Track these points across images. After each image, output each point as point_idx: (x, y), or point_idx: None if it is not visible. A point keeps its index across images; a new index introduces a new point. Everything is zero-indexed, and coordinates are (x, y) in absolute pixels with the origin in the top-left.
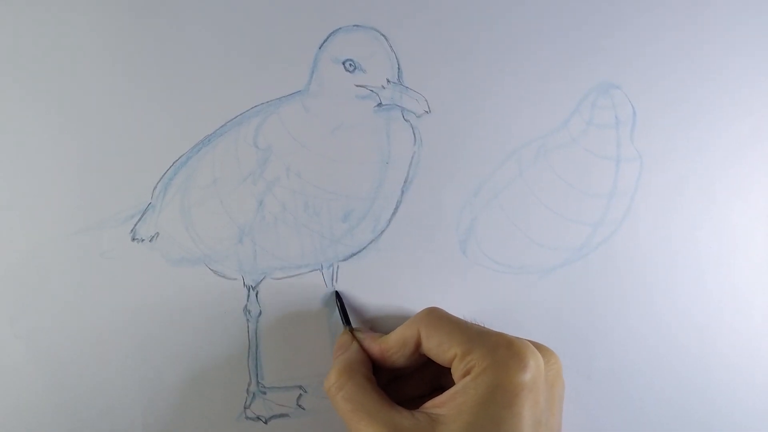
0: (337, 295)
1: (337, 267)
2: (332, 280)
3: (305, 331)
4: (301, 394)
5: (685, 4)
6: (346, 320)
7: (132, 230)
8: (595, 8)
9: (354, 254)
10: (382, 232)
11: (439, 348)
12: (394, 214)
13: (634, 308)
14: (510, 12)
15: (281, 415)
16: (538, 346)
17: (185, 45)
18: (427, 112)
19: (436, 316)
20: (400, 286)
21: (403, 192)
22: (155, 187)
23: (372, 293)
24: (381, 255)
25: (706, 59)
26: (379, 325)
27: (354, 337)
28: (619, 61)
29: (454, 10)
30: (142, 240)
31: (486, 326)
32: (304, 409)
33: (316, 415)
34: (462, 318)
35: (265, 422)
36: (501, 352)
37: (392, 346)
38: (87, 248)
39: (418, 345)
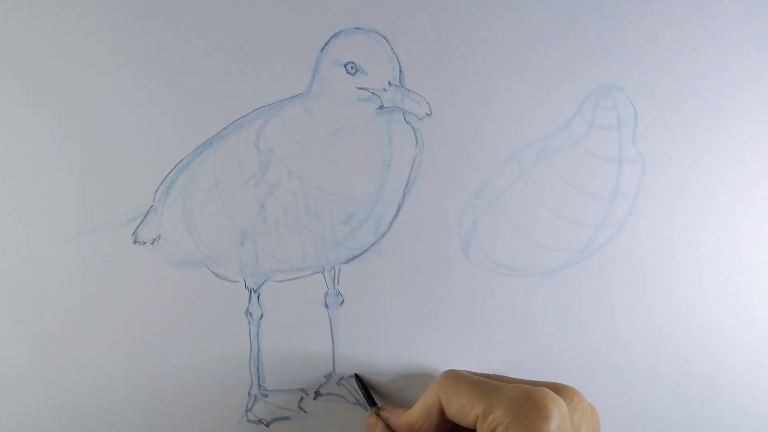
0: (358, 378)
1: (339, 269)
2: (334, 282)
3: (307, 334)
4: (302, 397)
5: (686, 5)
6: (371, 401)
7: (134, 233)
8: (597, 9)
9: (356, 257)
10: (384, 234)
11: (460, 412)
12: (395, 216)
13: (636, 310)
14: (511, 14)
15: (283, 418)
16: (559, 388)
17: (187, 47)
18: (428, 114)
19: (452, 380)
20: (402, 288)
21: (404, 194)
22: (157, 190)
23: (374, 296)
24: (383, 257)
25: (707, 60)
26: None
27: (380, 417)
28: (621, 63)
29: (455, 12)
30: (144, 243)
31: (504, 375)
32: (305, 412)
33: (318, 418)
34: (479, 372)
35: (267, 425)
36: (521, 406)
37: (417, 419)
38: (89, 251)
39: (442, 413)
